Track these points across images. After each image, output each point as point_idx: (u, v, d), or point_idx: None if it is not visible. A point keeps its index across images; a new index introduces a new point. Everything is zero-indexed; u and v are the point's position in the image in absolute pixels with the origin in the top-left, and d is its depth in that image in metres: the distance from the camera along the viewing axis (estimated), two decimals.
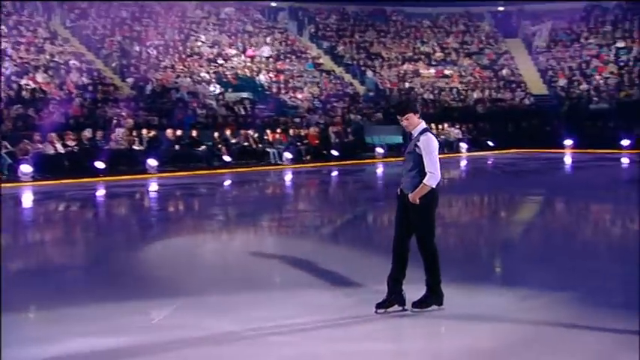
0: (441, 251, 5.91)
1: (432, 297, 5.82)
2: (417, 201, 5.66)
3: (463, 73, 34.27)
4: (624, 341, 5.20)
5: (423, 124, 5.82)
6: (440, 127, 28.32)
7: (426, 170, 5.64)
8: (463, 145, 27.67)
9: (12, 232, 10.82)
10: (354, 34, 36.08)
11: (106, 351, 5.09)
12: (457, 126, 28.96)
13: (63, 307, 6.16)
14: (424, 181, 5.65)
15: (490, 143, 28.51)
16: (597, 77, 32.15)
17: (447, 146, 26.98)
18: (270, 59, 31.75)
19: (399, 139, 27.40)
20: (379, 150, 25.13)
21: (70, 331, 5.48)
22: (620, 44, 33.56)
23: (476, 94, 32.78)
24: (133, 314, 5.97)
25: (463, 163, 24.83)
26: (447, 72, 34.16)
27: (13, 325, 5.55)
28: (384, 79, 33.30)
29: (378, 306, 5.78)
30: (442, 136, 28.07)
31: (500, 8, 37.52)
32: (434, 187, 5.68)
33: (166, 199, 16.02)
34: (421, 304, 5.80)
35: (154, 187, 17.85)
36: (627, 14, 35.06)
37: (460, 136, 28.48)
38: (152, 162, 19.71)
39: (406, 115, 5.77)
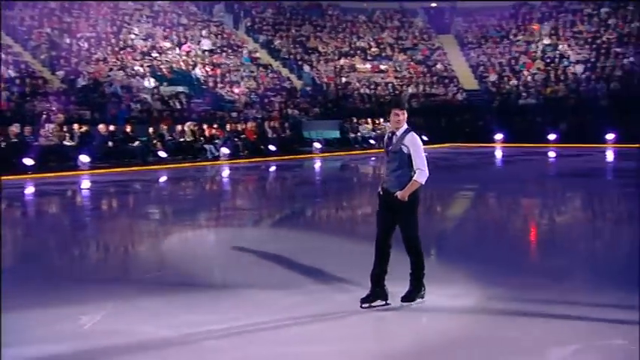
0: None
1: (415, 291, 5.98)
2: (407, 198, 5.75)
3: (398, 69, 34.65)
4: (555, 333, 5.34)
5: (406, 124, 5.90)
6: (376, 121, 28.62)
7: (416, 168, 5.77)
8: None
9: None
10: (291, 28, 35.98)
11: None
12: None
13: None
14: (415, 178, 5.77)
15: (424, 138, 28.78)
16: (525, 73, 33.03)
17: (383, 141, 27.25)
18: (207, 53, 31.32)
19: (337, 134, 27.55)
20: (317, 145, 25.14)
21: None
22: (547, 41, 34.56)
23: (410, 89, 33.19)
24: (63, 320, 5.76)
25: None
26: (382, 67, 34.47)
27: None
28: (321, 74, 33.35)
29: (363, 301, 5.89)
30: (378, 131, 28.36)
31: (433, 4, 38.10)
32: (423, 183, 5.81)
33: (99, 197, 15.60)
34: (409, 298, 5.95)
35: (86, 184, 17.32)
36: (553, 12, 36.14)
37: None
38: (84, 158, 19.15)
39: (404, 110, 5.86)
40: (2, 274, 6.95)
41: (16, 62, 24.97)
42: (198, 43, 31.73)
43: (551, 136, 27.50)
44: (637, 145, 24.81)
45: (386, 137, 6.01)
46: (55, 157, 19.28)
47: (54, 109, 21.70)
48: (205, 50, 31.42)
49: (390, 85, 33.36)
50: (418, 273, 5.95)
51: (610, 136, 26.30)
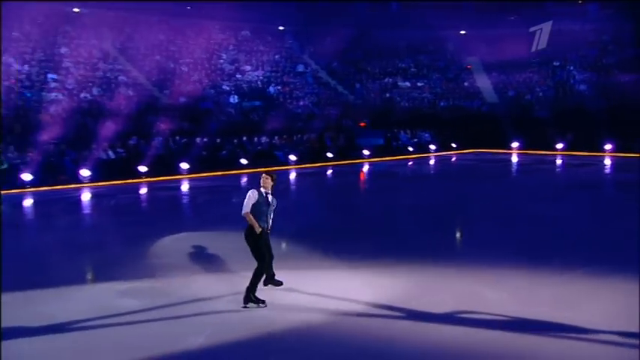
0: None
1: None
2: None
3: (432, 85, 33.98)
4: None
5: None
6: (414, 131, 28.27)
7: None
8: (432, 147, 27.52)
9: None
10: (346, 52, 35.54)
11: None
12: (427, 131, 28.85)
13: None
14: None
15: (453, 145, 28.35)
16: (538, 90, 31.96)
17: (420, 147, 26.90)
18: (279, 73, 31.37)
19: (382, 142, 27.18)
20: (365, 152, 24.83)
21: None
22: (556, 63, 33.30)
23: (443, 103, 32.54)
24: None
25: (432, 162, 24.80)
26: (419, 84, 33.85)
27: None
28: (369, 90, 32.99)
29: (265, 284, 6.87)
30: (415, 139, 27.99)
31: (462, 32, 37.02)
32: None
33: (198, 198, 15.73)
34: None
35: (185, 186, 17.54)
36: (559, 39, 34.71)
37: (430, 139, 28.32)
38: (184, 165, 19.36)
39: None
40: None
41: (134, 84, 25.51)
42: (273, 65, 31.80)
43: (559, 145, 26.59)
44: (630, 155, 23.84)
45: (264, 197, 6.62)
46: (162, 165, 19.23)
47: (162, 124, 21.99)
48: (277, 71, 31.48)
49: (425, 99, 32.78)
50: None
51: (608, 146, 25.24)
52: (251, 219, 6.48)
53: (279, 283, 7.04)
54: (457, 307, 6.23)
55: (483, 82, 34.09)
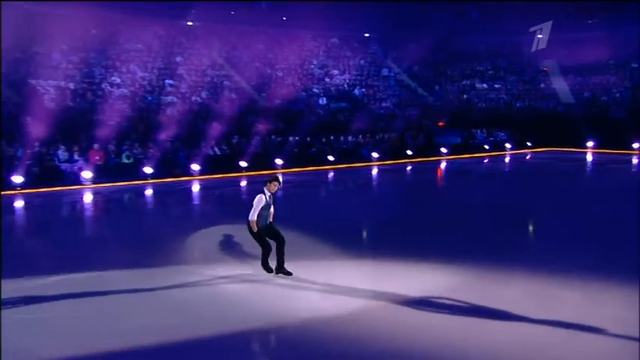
0: None
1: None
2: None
3: (509, 87, 32.44)
4: None
5: None
6: (490, 131, 27.17)
7: (273, 210, 7.28)
8: (507, 145, 26.32)
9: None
10: (427, 57, 34.66)
11: None
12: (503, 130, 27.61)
13: None
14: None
15: (529, 143, 26.96)
16: (614, 91, 29.64)
17: (496, 146, 25.85)
18: (364, 77, 31.21)
19: (459, 140, 26.30)
20: (443, 150, 24.15)
21: None
22: (634, 65, 30.68)
23: (519, 104, 31.01)
24: None
25: (507, 159, 23.73)
26: (496, 86, 32.42)
27: None
28: (448, 92, 32.05)
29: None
30: (491, 138, 26.93)
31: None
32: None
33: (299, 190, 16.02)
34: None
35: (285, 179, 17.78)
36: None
37: (505, 138, 27.11)
38: (279, 161, 19.67)
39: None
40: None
41: (237, 89, 26.32)
42: (358, 69, 31.66)
43: (635, 145, 24.56)
44: None
45: (268, 197, 7.08)
46: (259, 161, 19.40)
47: (260, 124, 22.41)
48: (362, 75, 31.31)
49: (501, 100, 31.37)
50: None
51: None
52: (253, 225, 6.98)
53: (289, 274, 7.04)
54: (528, 307, 5.96)
55: (559, 84, 32.09)
